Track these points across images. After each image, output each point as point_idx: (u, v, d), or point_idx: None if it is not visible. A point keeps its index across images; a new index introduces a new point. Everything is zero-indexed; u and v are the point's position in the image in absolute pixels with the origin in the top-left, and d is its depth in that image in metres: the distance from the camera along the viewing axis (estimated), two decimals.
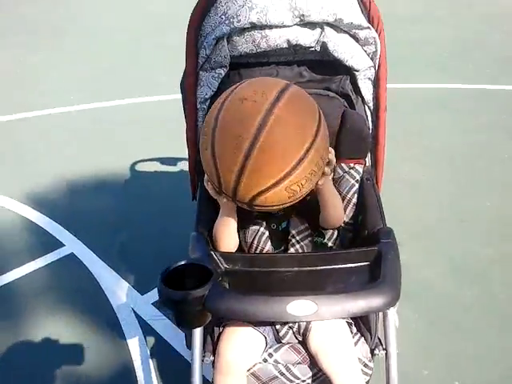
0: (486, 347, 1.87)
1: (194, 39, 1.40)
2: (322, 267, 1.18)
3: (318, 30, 1.37)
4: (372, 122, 1.55)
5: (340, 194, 1.45)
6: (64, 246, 2.41)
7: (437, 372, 1.78)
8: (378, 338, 1.31)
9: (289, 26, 1.34)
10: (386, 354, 1.25)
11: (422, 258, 2.28)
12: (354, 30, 1.39)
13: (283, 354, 1.31)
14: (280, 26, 1.33)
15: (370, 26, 1.39)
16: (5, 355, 1.89)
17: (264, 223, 1.37)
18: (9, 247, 2.43)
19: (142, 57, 4.72)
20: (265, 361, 1.30)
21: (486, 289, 2.12)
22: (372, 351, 1.30)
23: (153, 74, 4.25)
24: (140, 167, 3.00)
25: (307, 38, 1.38)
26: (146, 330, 1.96)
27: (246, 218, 1.36)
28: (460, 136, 3.31)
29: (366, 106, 1.54)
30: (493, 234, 2.44)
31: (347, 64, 1.43)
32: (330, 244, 1.46)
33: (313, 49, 1.41)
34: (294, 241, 1.36)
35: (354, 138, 1.48)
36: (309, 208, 1.37)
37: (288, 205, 1.17)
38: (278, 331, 1.33)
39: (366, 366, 1.30)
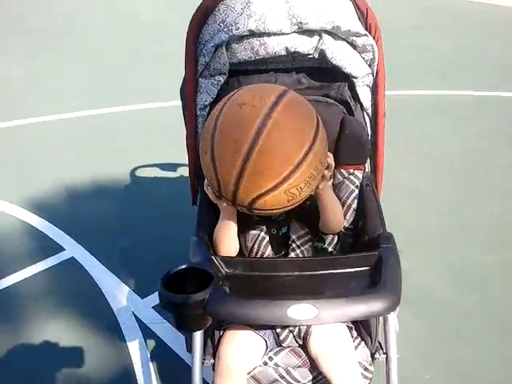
0: (486, 354, 1.87)
1: (192, 47, 1.41)
2: (322, 272, 1.19)
3: (316, 37, 1.38)
4: (371, 128, 1.56)
5: (340, 200, 1.46)
6: (64, 250, 2.42)
7: (437, 378, 1.78)
8: (379, 342, 1.31)
9: (287, 34, 1.35)
10: (387, 358, 1.26)
11: (422, 264, 2.28)
12: (351, 38, 1.40)
13: (283, 357, 1.31)
14: (278, 34, 1.34)
15: (368, 33, 1.40)
16: (5, 358, 1.89)
17: (264, 228, 1.38)
18: (9, 251, 2.44)
19: (142, 64, 4.76)
20: (265, 364, 1.31)
21: (486, 295, 2.13)
22: (372, 355, 1.31)
23: (152, 81, 4.28)
24: (140, 173, 3.01)
25: (305, 46, 1.39)
26: (147, 333, 1.97)
27: (247, 222, 1.37)
28: (460, 143, 3.32)
29: (365, 113, 1.55)
30: (493, 241, 2.44)
31: (345, 71, 1.44)
32: (330, 249, 1.47)
33: (311, 56, 1.42)
34: (294, 245, 1.36)
35: (353, 144, 1.49)
36: (309, 213, 1.37)
37: (287, 209, 1.18)
38: (278, 335, 1.33)
39: (366, 369, 1.30)
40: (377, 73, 1.48)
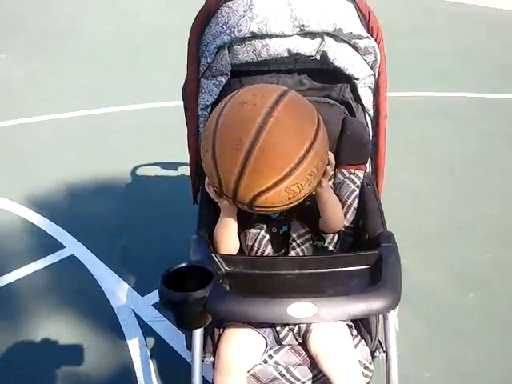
0: (486, 353, 1.87)
1: (195, 48, 1.42)
2: (322, 270, 1.19)
3: (318, 39, 1.39)
4: (372, 129, 1.57)
5: (340, 200, 1.47)
6: (64, 247, 2.42)
7: (437, 377, 1.79)
8: (379, 341, 1.31)
9: (289, 36, 1.36)
10: (387, 356, 1.26)
11: (423, 264, 2.29)
12: (353, 40, 1.41)
13: (283, 355, 1.31)
14: (280, 36, 1.35)
15: (370, 35, 1.41)
16: (5, 355, 1.89)
17: (264, 227, 1.38)
18: (9, 248, 2.44)
19: (142, 64, 4.74)
20: (265, 362, 1.31)
21: (487, 295, 2.13)
22: (372, 353, 1.31)
23: (152, 82, 4.27)
24: (140, 172, 3.02)
25: (307, 48, 1.39)
26: (146, 331, 1.97)
27: (247, 221, 1.38)
28: (460, 144, 3.33)
29: (367, 114, 1.55)
30: (493, 242, 2.45)
31: (347, 73, 1.45)
32: (330, 248, 1.47)
33: (313, 58, 1.43)
34: (294, 244, 1.37)
35: (354, 145, 1.49)
36: (309, 212, 1.38)
37: (288, 206, 1.18)
38: (278, 333, 1.34)
39: (366, 368, 1.30)
40: (378, 74, 1.48)
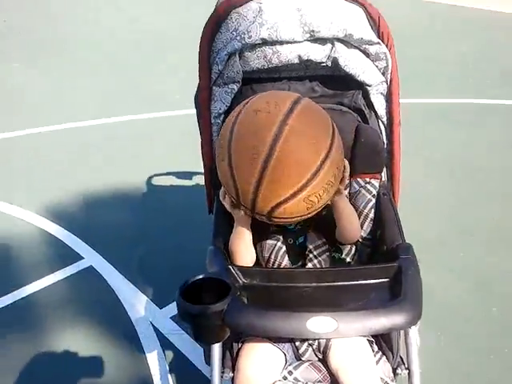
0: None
1: (206, 55, 1.41)
2: (340, 283, 1.18)
3: (329, 45, 1.38)
4: (386, 136, 1.55)
5: (357, 210, 1.45)
6: (83, 258, 2.44)
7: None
8: (401, 357, 1.28)
9: (299, 42, 1.35)
10: (409, 373, 1.22)
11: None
12: (364, 46, 1.40)
13: (303, 371, 1.29)
14: (291, 42, 1.34)
15: (380, 41, 1.40)
16: (25, 367, 1.91)
17: (281, 238, 1.37)
18: (28, 260, 2.47)
19: (152, 72, 4.75)
20: (285, 378, 1.28)
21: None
22: (394, 370, 1.28)
23: (165, 91, 4.28)
24: (155, 181, 3.03)
25: (318, 54, 1.39)
26: (164, 343, 1.97)
27: (263, 232, 1.37)
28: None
29: (380, 121, 1.54)
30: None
31: (359, 79, 1.43)
32: (347, 259, 1.45)
33: (324, 64, 1.41)
34: (311, 256, 1.36)
35: (368, 152, 1.48)
36: (325, 223, 1.37)
37: (306, 217, 1.17)
38: (297, 348, 1.32)
39: None
40: (390, 81, 1.47)
